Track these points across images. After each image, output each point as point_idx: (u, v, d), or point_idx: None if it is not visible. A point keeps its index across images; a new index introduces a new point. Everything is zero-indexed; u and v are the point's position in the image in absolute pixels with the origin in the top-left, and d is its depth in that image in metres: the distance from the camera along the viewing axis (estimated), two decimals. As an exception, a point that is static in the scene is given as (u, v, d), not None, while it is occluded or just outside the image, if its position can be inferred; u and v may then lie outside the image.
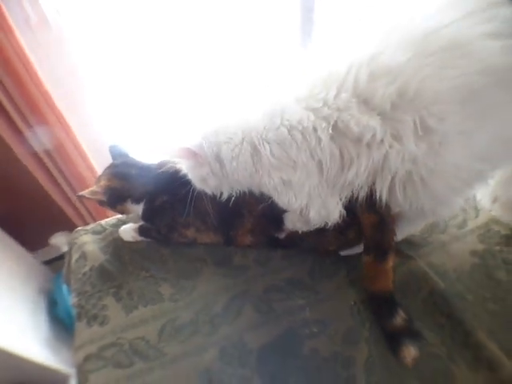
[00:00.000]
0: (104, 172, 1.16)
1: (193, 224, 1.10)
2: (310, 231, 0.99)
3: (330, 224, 0.88)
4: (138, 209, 1.14)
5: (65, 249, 1.72)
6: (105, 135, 1.80)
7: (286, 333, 0.93)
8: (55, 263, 2.06)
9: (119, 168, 1.15)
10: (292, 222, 1.00)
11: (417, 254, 1.03)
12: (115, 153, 1.21)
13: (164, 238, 1.16)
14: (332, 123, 0.72)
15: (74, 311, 1.06)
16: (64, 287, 1.69)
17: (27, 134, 1.55)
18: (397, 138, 0.71)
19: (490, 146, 0.72)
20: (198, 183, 0.90)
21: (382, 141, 0.72)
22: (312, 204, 0.83)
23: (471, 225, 1.08)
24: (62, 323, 1.69)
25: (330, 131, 0.72)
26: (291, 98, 0.76)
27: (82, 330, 1.00)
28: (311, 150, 0.75)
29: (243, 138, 0.78)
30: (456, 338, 0.88)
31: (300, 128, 0.74)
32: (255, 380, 0.87)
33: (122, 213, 1.21)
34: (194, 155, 0.83)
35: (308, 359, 0.89)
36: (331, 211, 0.85)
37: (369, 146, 0.73)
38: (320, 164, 0.76)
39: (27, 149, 1.60)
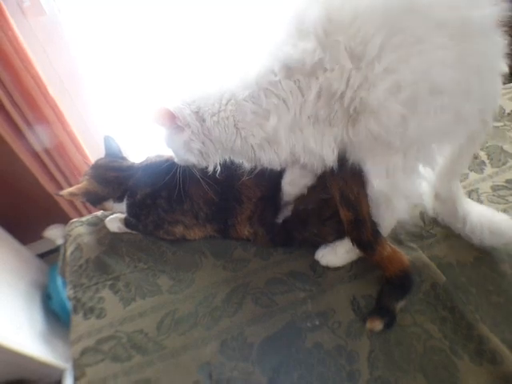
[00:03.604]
0: (87, 171, 1.16)
1: (181, 221, 1.09)
2: (311, 221, 0.99)
3: (330, 165, 0.86)
4: (121, 207, 1.14)
5: (59, 242, 1.71)
6: (101, 127, 1.78)
7: (287, 326, 0.92)
8: (49, 256, 2.03)
9: (100, 171, 1.15)
10: (292, 183, 0.99)
11: (419, 246, 1.03)
12: (108, 145, 1.21)
13: (150, 234, 1.15)
14: (283, 60, 0.73)
15: (70, 304, 1.04)
16: (59, 280, 1.67)
17: (22, 126, 1.53)
18: (337, 62, 0.71)
19: (414, 90, 0.70)
20: (182, 154, 0.88)
21: (325, 67, 0.72)
22: (297, 142, 0.82)
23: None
24: (56, 317, 1.67)
25: (284, 68, 0.74)
26: (256, 52, 0.78)
27: (79, 323, 0.98)
28: (276, 92, 0.76)
29: (222, 96, 0.79)
30: (459, 331, 0.87)
31: (262, 74, 0.75)
32: (257, 374, 0.86)
33: (105, 210, 1.21)
34: (172, 118, 0.82)
35: (311, 352, 0.88)
36: (323, 151, 0.83)
37: (315, 73, 0.73)
38: (285, 102, 0.77)
39: (22, 142, 1.57)
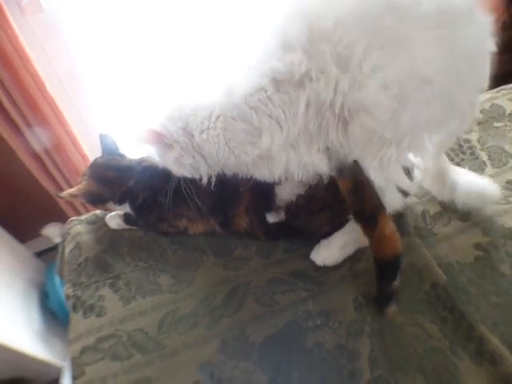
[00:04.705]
0: (86, 171, 1.15)
1: (185, 215, 1.08)
2: (302, 215, 1.00)
3: (324, 177, 0.87)
4: (122, 208, 1.13)
5: (57, 240, 1.70)
6: (100, 125, 1.77)
7: (288, 325, 0.92)
8: (47, 255, 2.02)
9: (98, 170, 1.14)
10: (287, 192, 0.99)
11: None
12: (104, 144, 1.19)
13: (152, 228, 1.15)
14: (271, 75, 0.73)
15: (68, 302, 1.03)
16: (56, 279, 1.66)
17: (21, 124, 1.51)
18: (323, 71, 0.71)
19: (401, 85, 0.71)
20: (175, 168, 0.89)
21: (311, 77, 0.72)
22: (291, 162, 0.82)
23: (475, 217, 1.07)
24: (54, 315, 1.66)
25: (273, 82, 0.73)
26: (241, 68, 0.77)
27: (78, 322, 0.98)
28: (267, 111, 0.75)
29: (211, 113, 0.78)
30: (459, 332, 0.87)
31: (252, 92, 0.74)
32: (257, 373, 0.86)
33: (105, 210, 1.20)
34: (159, 137, 0.82)
35: (312, 352, 0.87)
36: (315, 163, 0.83)
37: (303, 84, 0.73)
38: (278, 119, 0.76)
39: (21, 140, 1.56)
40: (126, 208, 1.13)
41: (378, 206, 0.87)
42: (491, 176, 1.15)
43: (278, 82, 0.73)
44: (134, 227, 1.17)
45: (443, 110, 0.77)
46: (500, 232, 1.02)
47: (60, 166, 1.72)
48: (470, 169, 1.18)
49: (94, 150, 1.66)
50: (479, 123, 1.30)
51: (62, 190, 1.78)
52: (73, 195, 1.10)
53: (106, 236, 1.17)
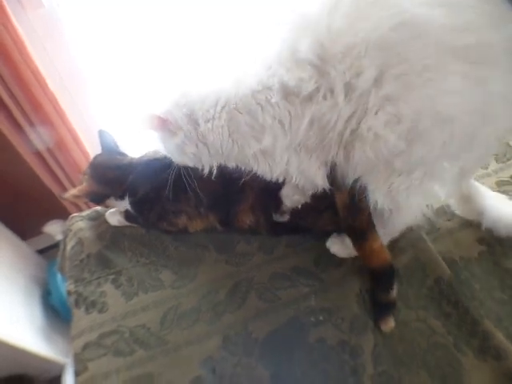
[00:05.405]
0: (86, 171, 1.15)
1: (184, 210, 1.07)
2: (307, 213, 0.99)
3: (319, 189, 0.86)
4: (123, 204, 1.13)
5: (59, 237, 1.69)
6: (101, 121, 1.76)
7: (291, 321, 0.92)
8: (49, 252, 2.02)
9: (99, 170, 1.14)
10: (289, 198, 0.98)
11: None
12: (103, 140, 1.20)
13: (152, 226, 1.14)
14: (280, 81, 0.70)
15: (70, 299, 1.03)
16: (58, 276, 1.66)
17: (22, 121, 1.50)
18: (332, 91, 0.68)
19: (415, 122, 0.66)
20: (176, 157, 0.87)
21: (320, 95, 0.69)
22: (291, 165, 0.81)
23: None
24: (56, 312, 1.66)
25: (281, 89, 0.71)
26: (253, 61, 0.75)
27: (81, 318, 0.98)
28: (271, 112, 0.73)
29: (217, 102, 0.76)
30: (463, 327, 0.87)
31: (260, 89, 0.72)
32: (260, 369, 0.85)
33: (107, 207, 1.21)
34: (163, 122, 0.80)
35: (314, 348, 0.87)
36: (312, 173, 0.82)
37: (311, 100, 0.70)
38: (282, 124, 0.74)
39: (22, 137, 1.55)
40: (126, 203, 1.12)
41: (370, 225, 0.89)
42: (495, 171, 1.15)
43: (287, 91, 0.71)
44: (135, 224, 1.17)
45: (466, 145, 0.72)
46: (504, 227, 1.01)
47: (62, 164, 1.72)
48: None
49: (95, 148, 1.64)
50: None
51: (63, 187, 1.79)
52: (75, 196, 1.11)
53: (107, 232, 1.17)
